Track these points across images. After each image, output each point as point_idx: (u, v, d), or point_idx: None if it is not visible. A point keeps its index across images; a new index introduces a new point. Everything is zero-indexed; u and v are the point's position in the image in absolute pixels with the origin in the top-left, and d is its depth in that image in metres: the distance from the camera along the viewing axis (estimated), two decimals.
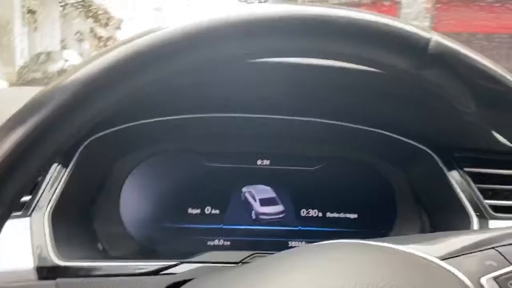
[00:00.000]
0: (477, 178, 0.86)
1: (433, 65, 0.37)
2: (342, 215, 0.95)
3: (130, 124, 0.87)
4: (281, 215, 0.95)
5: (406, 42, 0.36)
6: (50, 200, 0.75)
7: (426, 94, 0.77)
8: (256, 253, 0.80)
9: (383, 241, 0.42)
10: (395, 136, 0.91)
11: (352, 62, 0.39)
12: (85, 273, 0.71)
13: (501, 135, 0.43)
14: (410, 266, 0.38)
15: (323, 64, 0.76)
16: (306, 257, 0.42)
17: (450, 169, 0.87)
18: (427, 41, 0.36)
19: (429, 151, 0.89)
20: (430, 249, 0.39)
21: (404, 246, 0.40)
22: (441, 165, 0.87)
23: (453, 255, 0.39)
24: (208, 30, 0.34)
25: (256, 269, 0.43)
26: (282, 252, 0.46)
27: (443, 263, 0.38)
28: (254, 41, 0.35)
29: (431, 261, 0.38)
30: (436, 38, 0.36)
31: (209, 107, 0.89)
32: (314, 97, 0.88)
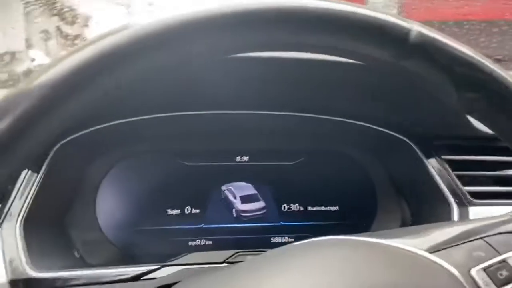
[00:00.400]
0: (455, 166, 0.86)
1: (413, 55, 0.36)
2: (323, 208, 0.95)
3: (101, 126, 0.84)
4: (262, 211, 0.93)
5: (387, 32, 0.35)
6: (21, 208, 0.72)
7: (405, 84, 0.77)
8: (239, 251, 0.79)
9: (369, 236, 0.41)
10: (373, 127, 0.90)
11: (331, 54, 0.38)
12: (62, 283, 0.68)
13: (480, 121, 0.43)
14: (398, 261, 0.37)
15: (298, 57, 0.75)
16: (292, 256, 0.41)
17: (428, 158, 0.87)
18: (407, 31, 0.36)
19: (407, 140, 0.89)
20: (417, 242, 0.39)
21: (390, 240, 0.39)
22: (419, 154, 0.87)
23: (441, 248, 0.38)
24: (183, 26, 0.33)
25: (246, 270, 0.41)
26: (267, 253, 0.45)
27: (431, 256, 0.37)
28: (230, 36, 0.34)
29: (419, 255, 0.38)
30: (417, 28, 0.36)
31: (183, 105, 0.87)
32: (290, 91, 0.87)
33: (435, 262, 0.36)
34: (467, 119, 0.85)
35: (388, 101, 0.85)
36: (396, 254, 0.38)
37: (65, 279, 0.69)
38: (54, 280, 0.68)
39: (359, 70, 0.75)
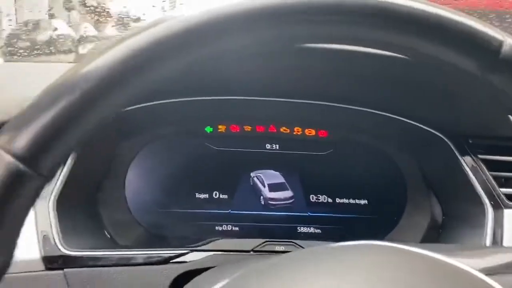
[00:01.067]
0: (492, 166, 0.84)
1: (504, 70, 0.34)
2: (352, 201, 0.93)
3: (134, 107, 0.84)
4: (290, 201, 0.93)
5: (478, 42, 0.32)
6: (54, 187, 0.72)
7: (444, 80, 0.74)
8: (267, 241, 0.79)
9: (423, 248, 0.40)
10: (409, 121, 0.88)
11: (408, 55, 0.36)
12: (93, 262, 0.69)
13: None
14: (454, 280, 0.36)
15: (339, 48, 0.73)
16: (344, 259, 0.40)
17: (463, 156, 0.85)
18: (500, 43, 0.33)
19: (443, 137, 0.86)
20: (476, 263, 0.37)
21: (448, 257, 0.38)
22: (455, 151, 0.85)
23: (498, 271, 0.37)
24: (250, 13, 0.31)
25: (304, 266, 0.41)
26: (313, 250, 0.44)
27: (486, 278, 0.36)
28: (318, 26, 0.33)
29: (474, 275, 0.37)
30: (510, 41, 0.33)
31: (215, 89, 0.86)
32: (326, 81, 0.85)
33: (490, 285, 0.36)
34: (507, 118, 0.82)
35: (425, 96, 0.83)
36: (451, 272, 0.37)
37: (96, 259, 0.70)
38: (85, 258, 0.69)
39: (398, 64, 0.73)
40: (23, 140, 0.28)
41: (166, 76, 0.33)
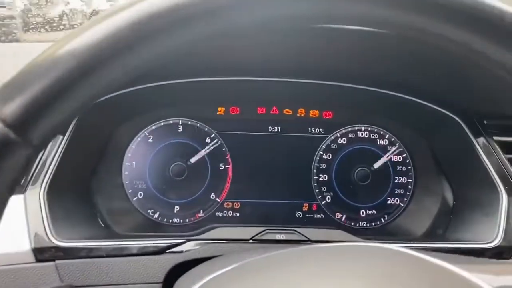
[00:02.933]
0: (508, 148, 0.79)
1: None
2: (357, 183, 0.89)
3: (130, 89, 0.80)
4: None
5: None
6: (46, 173, 0.70)
7: (458, 60, 0.69)
8: (268, 229, 0.76)
9: (437, 258, 0.37)
10: (419, 101, 0.83)
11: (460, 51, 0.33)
12: (87, 253, 0.67)
13: None
14: None
15: (350, 28, 0.68)
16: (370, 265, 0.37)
17: (477, 137, 0.79)
18: None
19: (455, 117, 0.81)
20: (489, 278, 0.34)
21: (469, 273, 0.35)
22: (468, 133, 0.80)
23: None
24: None
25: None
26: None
27: None
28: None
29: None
30: None
31: (214, 71, 0.82)
32: (338, 61, 0.80)
33: None
34: None
35: (437, 75, 0.78)
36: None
37: (89, 249, 0.67)
38: (78, 249, 0.67)
39: (410, 44, 0.67)
40: (13, 107, 0.27)
41: (156, 56, 0.31)
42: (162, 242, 0.70)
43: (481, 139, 0.79)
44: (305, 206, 0.88)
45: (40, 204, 0.67)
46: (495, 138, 0.79)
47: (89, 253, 0.67)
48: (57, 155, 0.71)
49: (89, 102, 0.29)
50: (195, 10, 0.29)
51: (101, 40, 0.28)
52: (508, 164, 0.77)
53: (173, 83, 0.82)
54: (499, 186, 0.75)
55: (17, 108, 0.27)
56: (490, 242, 0.72)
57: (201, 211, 0.87)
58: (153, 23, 0.28)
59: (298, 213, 0.88)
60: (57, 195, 0.70)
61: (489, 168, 0.77)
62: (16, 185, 0.29)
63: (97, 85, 0.29)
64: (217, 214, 0.87)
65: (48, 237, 0.65)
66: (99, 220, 0.78)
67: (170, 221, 0.86)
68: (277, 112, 0.89)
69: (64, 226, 0.69)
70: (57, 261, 0.65)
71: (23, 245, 0.65)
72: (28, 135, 0.27)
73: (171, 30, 0.29)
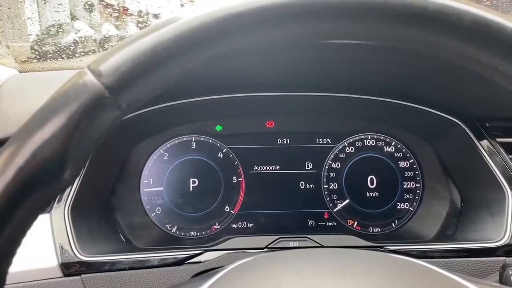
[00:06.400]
0: (510, 149, 0.81)
1: None
2: (365, 193, 0.92)
3: (145, 110, 0.84)
4: None
5: None
6: (69, 194, 0.74)
7: (457, 65, 0.72)
8: (281, 237, 0.79)
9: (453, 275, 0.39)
10: (423, 108, 0.86)
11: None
12: (110, 267, 0.70)
13: None
14: None
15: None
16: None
17: (480, 140, 0.82)
18: None
19: (458, 122, 0.84)
20: None
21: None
22: (471, 136, 0.82)
23: None
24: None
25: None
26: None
27: None
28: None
29: None
30: None
31: (225, 88, 0.86)
32: (341, 72, 0.84)
33: None
34: None
35: (438, 81, 0.80)
36: None
37: (112, 263, 0.71)
38: (102, 263, 0.70)
39: (410, 53, 0.70)
40: (113, 70, 0.30)
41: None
42: (180, 254, 0.73)
43: (485, 142, 0.82)
44: (317, 215, 0.91)
45: (65, 222, 0.71)
46: (498, 139, 0.82)
47: (112, 267, 0.71)
48: (79, 176, 0.76)
49: (168, 83, 0.33)
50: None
51: (196, 28, 0.32)
52: (511, 163, 0.79)
53: (185, 102, 0.86)
54: (505, 186, 0.77)
55: (116, 73, 0.30)
56: (499, 241, 0.74)
57: (217, 224, 0.90)
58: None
59: (311, 222, 0.91)
60: (80, 213, 0.74)
61: (494, 169, 0.79)
62: (99, 142, 0.32)
63: (182, 66, 0.33)
64: (232, 225, 0.90)
65: (74, 253, 0.69)
66: (121, 236, 0.81)
67: (188, 234, 0.89)
68: (285, 125, 0.93)
69: (88, 242, 0.73)
70: (83, 275, 0.69)
71: (51, 261, 0.69)
72: (119, 98, 0.31)
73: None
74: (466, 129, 0.83)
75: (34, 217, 0.31)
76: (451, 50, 0.33)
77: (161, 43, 0.31)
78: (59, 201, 0.73)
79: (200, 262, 0.73)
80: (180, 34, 0.31)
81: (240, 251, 0.75)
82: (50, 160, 0.29)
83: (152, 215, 0.89)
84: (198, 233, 0.89)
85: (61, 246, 0.70)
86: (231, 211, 0.91)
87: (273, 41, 0.34)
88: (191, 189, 0.90)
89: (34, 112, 0.30)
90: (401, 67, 0.79)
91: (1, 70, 0.97)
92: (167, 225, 0.89)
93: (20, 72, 1.01)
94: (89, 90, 0.30)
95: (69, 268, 0.69)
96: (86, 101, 0.30)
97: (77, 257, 0.69)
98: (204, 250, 0.74)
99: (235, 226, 0.90)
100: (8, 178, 0.28)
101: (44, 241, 0.70)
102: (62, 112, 0.30)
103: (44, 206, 0.31)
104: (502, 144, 0.81)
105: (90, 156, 0.32)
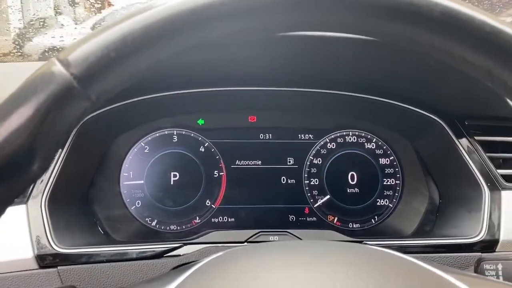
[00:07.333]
0: (488, 147, 0.82)
1: None
2: (346, 189, 0.93)
3: (126, 102, 0.84)
4: None
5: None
6: (46, 184, 0.73)
7: (437, 63, 0.72)
8: (261, 231, 0.79)
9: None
10: (403, 105, 0.87)
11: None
12: (87, 259, 0.69)
13: None
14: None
15: (326, 35, 0.72)
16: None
17: (459, 138, 0.83)
18: None
19: (438, 119, 0.85)
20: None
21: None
22: (450, 134, 0.83)
23: None
24: None
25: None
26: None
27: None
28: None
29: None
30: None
31: (207, 81, 0.85)
32: (321, 68, 0.84)
33: None
34: (502, 98, 0.80)
35: (418, 79, 0.81)
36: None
37: (90, 255, 0.70)
38: (79, 256, 0.69)
39: (390, 49, 0.71)
40: (82, 60, 0.30)
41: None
42: (159, 247, 0.72)
43: (463, 140, 0.83)
44: (298, 210, 0.91)
45: (42, 213, 0.70)
46: (476, 138, 0.83)
47: (90, 259, 0.70)
48: (56, 167, 0.75)
49: (139, 75, 0.33)
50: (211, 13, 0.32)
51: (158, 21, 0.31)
52: (489, 162, 0.80)
53: (168, 94, 0.85)
54: (482, 183, 0.79)
55: (85, 63, 0.30)
56: (475, 236, 0.75)
57: (197, 218, 0.90)
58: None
59: (291, 217, 0.91)
60: (57, 204, 0.73)
61: (472, 167, 0.80)
62: (68, 135, 0.33)
63: (145, 63, 0.33)
64: (213, 220, 0.90)
65: (50, 245, 0.68)
66: (99, 228, 0.80)
67: (168, 228, 0.89)
68: (268, 120, 0.93)
69: (65, 234, 0.71)
70: (59, 267, 0.68)
71: (26, 252, 0.68)
72: (88, 88, 0.30)
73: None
74: (445, 126, 0.84)
75: (1, 211, 0.31)
76: (422, 41, 0.34)
77: (132, 32, 0.31)
78: (37, 192, 0.72)
79: (179, 255, 0.72)
80: (150, 24, 0.31)
81: (220, 245, 0.74)
82: (17, 152, 0.29)
83: (132, 208, 0.88)
84: (178, 227, 0.89)
85: (37, 238, 0.68)
86: (212, 205, 0.90)
87: (249, 31, 0.34)
88: (172, 183, 0.90)
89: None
90: (382, 64, 0.79)
91: None
92: (146, 219, 0.89)
93: None
94: (57, 80, 0.29)
95: (44, 260, 0.68)
96: (54, 91, 0.29)
97: (54, 249, 0.68)
98: (183, 243, 0.74)
99: (216, 220, 0.90)
100: None
101: (20, 233, 0.69)
102: (28, 102, 0.29)
103: (12, 198, 0.31)
104: (480, 143, 0.83)
105: (59, 148, 0.32)
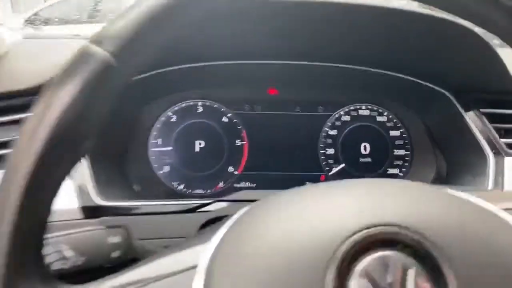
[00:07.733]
0: (493, 119, 0.89)
1: None
2: (359, 159, 0.99)
3: (155, 72, 0.89)
4: None
5: None
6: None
7: (445, 35, 0.79)
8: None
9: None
10: (412, 79, 0.93)
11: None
12: (125, 212, 0.74)
13: None
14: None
15: (333, 1, 0.75)
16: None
17: (466, 111, 0.89)
18: None
19: (446, 93, 0.91)
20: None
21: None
22: (458, 107, 0.90)
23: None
24: None
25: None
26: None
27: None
28: None
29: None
30: None
31: (232, 54, 0.91)
32: (328, 41, 0.88)
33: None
34: (507, 72, 0.87)
35: (427, 53, 0.87)
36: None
37: (128, 208, 0.75)
38: (117, 208, 0.75)
39: (398, 19, 0.77)
40: (113, 38, 0.36)
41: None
42: (191, 203, 0.78)
43: (470, 111, 0.89)
44: (314, 177, 0.98)
45: (85, 170, 0.75)
46: (482, 110, 0.90)
47: (127, 212, 0.75)
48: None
49: (161, 44, 0.38)
50: None
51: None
52: (494, 131, 0.87)
53: (192, 66, 0.91)
54: (487, 150, 0.85)
55: (117, 40, 0.35)
56: None
57: (221, 183, 0.96)
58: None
59: (308, 183, 0.97)
60: (98, 162, 0.78)
61: (477, 136, 0.87)
62: (108, 107, 0.38)
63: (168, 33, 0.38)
64: (235, 185, 0.96)
65: (92, 198, 0.73)
66: (134, 186, 0.86)
67: (194, 192, 0.94)
68: (288, 93, 0.99)
69: (106, 189, 0.77)
70: (101, 218, 0.73)
71: (72, 204, 0.73)
72: (123, 62, 0.36)
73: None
74: (453, 99, 0.91)
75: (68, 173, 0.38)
76: None
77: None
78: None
79: (210, 211, 0.78)
80: None
81: (251, 201, 0.80)
82: (75, 123, 0.36)
83: (159, 173, 0.94)
84: (204, 191, 0.95)
85: (82, 191, 0.73)
86: (235, 172, 0.96)
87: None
88: (197, 150, 0.95)
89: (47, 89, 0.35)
90: (391, 36, 0.84)
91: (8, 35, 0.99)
92: (173, 183, 0.94)
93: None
94: (96, 59, 0.35)
95: (88, 211, 0.73)
96: (96, 68, 0.35)
97: (96, 201, 0.73)
98: (214, 200, 0.79)
99: (238, 185, 0.96)
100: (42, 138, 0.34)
101: (67, 186, 0.73)
102: (75, 80, 0.35)
103: (75, 163, 0.39)
104: (485, 114, 0.89)
105: (104, 118, 0.39)
